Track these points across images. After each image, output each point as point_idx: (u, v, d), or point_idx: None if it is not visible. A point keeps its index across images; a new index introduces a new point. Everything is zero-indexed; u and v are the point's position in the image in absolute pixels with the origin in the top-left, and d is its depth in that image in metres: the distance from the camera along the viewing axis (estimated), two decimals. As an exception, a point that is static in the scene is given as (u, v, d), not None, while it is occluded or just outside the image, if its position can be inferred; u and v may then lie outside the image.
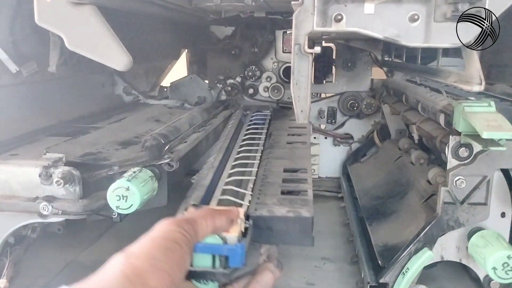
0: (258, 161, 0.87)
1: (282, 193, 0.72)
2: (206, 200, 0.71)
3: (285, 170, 0.82)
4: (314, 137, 1.40)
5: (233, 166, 0.85)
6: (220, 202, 0.70)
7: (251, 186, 0.74)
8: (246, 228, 0.58)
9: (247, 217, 0.61)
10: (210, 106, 1.28)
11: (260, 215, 0.63)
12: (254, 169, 0.82)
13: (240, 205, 0.66)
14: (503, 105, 0.86)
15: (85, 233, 1.04)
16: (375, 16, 0.59)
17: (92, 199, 0.73)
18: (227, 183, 0.76)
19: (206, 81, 1.55)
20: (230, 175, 0.80)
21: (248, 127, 1.16)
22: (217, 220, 0.47)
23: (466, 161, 0.68)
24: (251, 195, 0.70)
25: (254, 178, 0.78)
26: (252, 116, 1.31)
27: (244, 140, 1.03)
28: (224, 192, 0.74)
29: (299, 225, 0.62)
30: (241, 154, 0.92)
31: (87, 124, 1.12)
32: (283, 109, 1.47)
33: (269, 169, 0.83)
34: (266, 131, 1.11)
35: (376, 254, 0.80)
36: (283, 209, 0.64)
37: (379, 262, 0.77)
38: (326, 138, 1.48)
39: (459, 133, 0.67)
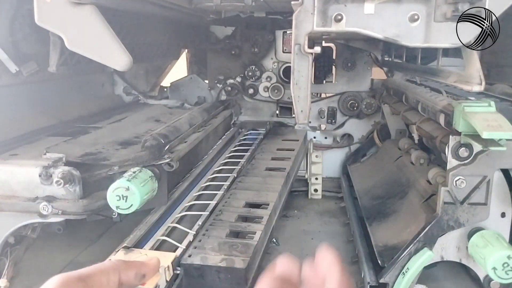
0: (223, 192, 0.86)
1: (229, 234, 0.69)
2: (144, 240, 0.70)
3: (246, 205, 0.81)
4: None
5: (192, 198, 0.84)
6: (157, 244, 0.68)
7: (200, 223, 0.73)
8: (177, 275, 0.55)
9: (178, 263, 0.58)
10: (210, 106, 1.28)
11: (191, 263, 0.60)
12: (213, 202, 0.81)
13: (176, 249, 0.65)
14: (503, 105, 0.86)
15: (85, 233, 1.04)
16: (375, 16, 0.59)
17: (92, 199, 0.73)
18: (174, 220, 0.75)
19: (206, 81, 1.55)
20: (184, 208, 0.79)
21: (233, 149, 1.16)
22: (123, 275, 0.41)
23: (466, 161, 0.68)
24: (194, 235, 0.69)
25: (208, 213, 0.76)
26: (245, 135, 1.31)
27: (220, 165, 1.03)
28: (167, 231, 0.73)
29: (231, 277, 0.58)
30: (208, 183, 0.91)
31: (87, 124, 1.12)
32: (281, 126, 1.47)
33: (230, 203, 0.81)
34: (250, 153, 1.10)
35: (376, 254, 0.80)
36: (219, 256, 0.61)
37: (379, 262, 0.77)
38: (326, 138, 1.48)
39: (459, 133, 0.67)
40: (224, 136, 1.27)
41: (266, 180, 0.93)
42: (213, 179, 0.94)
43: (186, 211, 0.79)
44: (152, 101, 1.52)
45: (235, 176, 0.94)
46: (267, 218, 0.74)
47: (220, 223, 0.73)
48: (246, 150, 1.12)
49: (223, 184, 0.89)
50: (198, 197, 0.85)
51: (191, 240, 0.67)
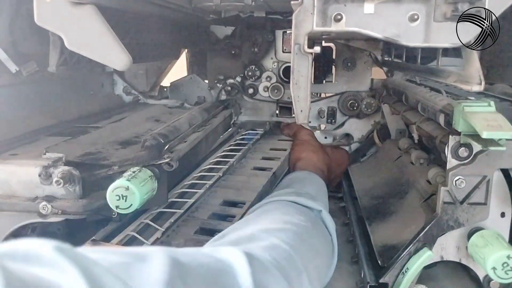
0: (203, 191, 0.86)
1: (198, 231, 0.71)
2: (114, 234, 0.71)
3: (224, 203, 0.82)
4: None
5: (173, 196, 0.85)
6: (126, 239, 0.69)
7: (172, 220, 0.73)
8: None
9: None
10: (210, 106, 1.28)
11: None
12: (191, 201, 0.81)
13: (141, 244, 0.66)
14: (503, 105, 0.86)
15: (85, 233, 1.04)
16: (375, 16, 0.59)
17: (92, 199, 0.73)
18: (148, 217, 0.76)
19: (206, 81, 1.55)
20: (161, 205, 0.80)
21: (227, 148, 1.16)
22: None
23: (466, 161, 0.68)
24: (163, 232, 0.70)
25: (182, 211, 0.77)
26: (242, 135, 1.31)
27: (210, 163, 1.03)
28: (138, 227, 0.73)
29: None
30: (191, 181, 0.92)
31: (87, 124, 1.12)
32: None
33: (207, 201, 0.82)
34: (241, 153, 1.10)
35: (376, 254, 0.80)
36: None
37: (379, 262, 0.77)
38: (326, 137, 1.48)
39: (458, 133, 0.67)
40: (221, 136, 1.27)
41: (250, 179, 0.93)
42: (198, 178, 0.94)
43: (163, 208, 0.80)
44: (152, 101, 1.52)
45: (220, 175, 0.95)
46: (239, 217, 0.75)
47: (192, 220, 0.74)
48: (239, 150, 1.12)
49: (206, 183, 0.89)
50: (179, 195, 0.86)
51: (159, 237, 0.69)
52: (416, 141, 1.02)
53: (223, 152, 1.11)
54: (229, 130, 1.37)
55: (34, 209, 0.71)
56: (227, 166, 0.99)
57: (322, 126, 1.49)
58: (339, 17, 0.59)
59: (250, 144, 1.18)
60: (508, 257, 0.64)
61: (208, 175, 0.95)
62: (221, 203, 0.81)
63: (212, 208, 0.79)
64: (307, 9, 0.60)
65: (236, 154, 1.08)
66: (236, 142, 1.22)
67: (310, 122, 1.47)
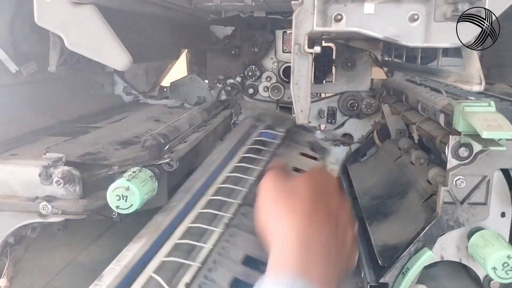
0: (221, 230, 0.60)
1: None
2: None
3: (245, 260, 0.56)
4: None
5: (183, 231, 0.60)
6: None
7: (187, 281, 0.50)
8: None
9: None
10: (210, 106, 1.29)
11: None
12: (207, 246, 0.56)
13: None
14: (503, 105, 0.86)
15: (85, 233, 1.04)
16: (375, 16, 0.59)
17: (92, 199, 0.73)
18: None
19: (206, 81, 1.55)
20: (163, 254, 0.55)
21: (242, 155, 0.85)
22: None
23: (466, 161, 0.68)
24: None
25: (197, 266, 0.53)
26: (259, 135, 0.97)
27: (225, 179, 0.74)
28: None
29: None
30: (203, 210, 0.65)
31: (87, 124, 1.12)
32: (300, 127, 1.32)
33: (227, 251, 0.58)
34: (261, 169, 0.78)
35: (376, 254, 0.79)
36: None
37: (379, 262, 0.77)
38: (325, 137, 1.48)
39: (459, 133, 0.67)
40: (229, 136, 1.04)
41: None
42: (209, 204, 0.67)
43: (166, 256, 0.55)
44: (152, 101, 1.52)
45: (239, 204, 0.67)
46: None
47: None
48: (256, 161, 0.81)
49: (224, 217, 0.63)
50: (188, 234, 0.60)
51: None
52: (416, 141, 1.01)
53: (239, 157, 0.83)
54: (246, 120, 1.13)
55: (34, 209, 0.72)
56: (246, 190, 0.71)
57: (322, 126, 1.49)
58: (339, 17, 0.59)
59: (268, 154, 0.87)
60: (509, 257, 0.64)
61: (221, 200, 0.67)
62: (242, 259, 0.56)
63: (232, 268, 0.54)
64: (307, 9, 0.60)
65: (254, 169, 0.77)
66: (253, 147, 0.89)
67: (310, 122, 1.47)
